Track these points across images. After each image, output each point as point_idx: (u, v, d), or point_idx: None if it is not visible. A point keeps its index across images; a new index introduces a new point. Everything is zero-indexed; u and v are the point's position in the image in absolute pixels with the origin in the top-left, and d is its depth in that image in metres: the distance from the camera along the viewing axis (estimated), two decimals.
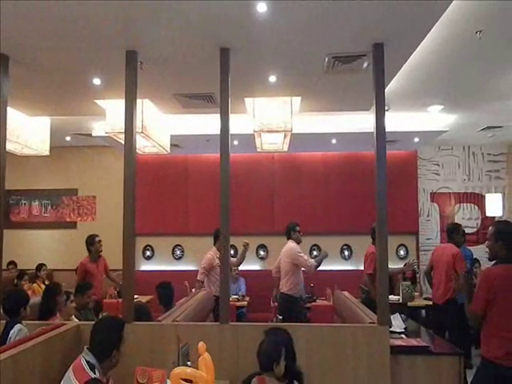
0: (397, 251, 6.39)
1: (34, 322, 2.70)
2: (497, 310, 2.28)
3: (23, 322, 2.63)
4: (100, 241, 4.85)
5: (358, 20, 2.43)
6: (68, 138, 6.08)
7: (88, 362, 1.89)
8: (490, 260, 2.51)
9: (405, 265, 4.60)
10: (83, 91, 3.53)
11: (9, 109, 2.92)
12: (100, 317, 3.54)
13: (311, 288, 5.81)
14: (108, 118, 3.78)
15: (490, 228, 2.52)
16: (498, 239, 2.43)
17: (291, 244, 4.42)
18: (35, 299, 3.60)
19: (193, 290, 4.79)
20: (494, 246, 2.44)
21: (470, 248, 5.17)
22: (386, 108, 3.77)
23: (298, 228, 4.45)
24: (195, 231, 6.33)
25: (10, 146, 3.83)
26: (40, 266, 5.62)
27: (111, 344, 1.95)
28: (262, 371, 1.98)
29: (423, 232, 6.52)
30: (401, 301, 4.92)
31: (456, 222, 4.43)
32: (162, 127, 4.19)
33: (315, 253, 6.44)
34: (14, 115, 3.84)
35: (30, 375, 2.01)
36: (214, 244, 4.67)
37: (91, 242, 4.81)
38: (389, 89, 3.61)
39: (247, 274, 6.15)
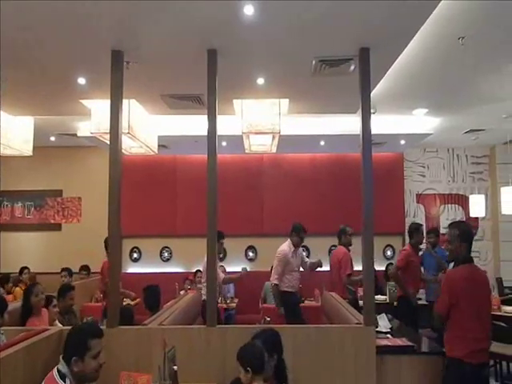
0: (384, 252, 6.47)
1: (15, 328, 2.64)
2: (459, 311, 2.31)
3: (0, 328, 2.54)
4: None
5: (344, 25, 2.47)
6: (52, 138, 5.96)
7: (59, 372, 1.82)
8: (451, 262, 2.53)
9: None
10: (68, 91, 3.47)
11: None
12: (85, 319, 3.49)
13: (300, 289, 5.83)
14: (93, 118, 3.72)
15: (453, 230, 2.49)
16: (463, 241, 2.44)
17: (283, 247, 4.40)
18: (18, 304, 3.53)
19: (181, 292, 4.76)
20: (460, 247, 2.44)
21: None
22: (373, 111, 3.80)
23: (302, 234, 4.39)
24: (183, 233, 6.28)
25: None
26: (23, 270, 5.50)
27: (71, 349, 1.85)
28: (252, 374, 1.96)
29: None
30: (387, 301, 4.97)
31: (415, 222, 4.53)
32: (149, 128, 4.15)
33: (305, 254, 6.45)
34: None
35: (12, 382, 1.96)
36: None
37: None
38: (375, 92, 3.65)
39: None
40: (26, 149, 4.33)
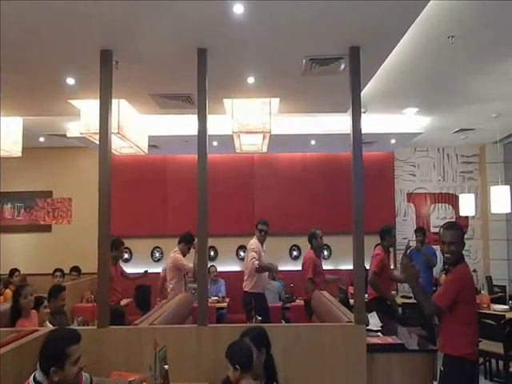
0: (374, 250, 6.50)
1: (4, 330, 2.61)
2: (465, 308, 2.33)
3: None
4: (125, 248, 4.70)
5: (335, 23, 2.48)
6: (42, 139, 5.91)
7: (35, 380, 1.75)
8: (452, 265, 2.44)
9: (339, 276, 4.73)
10: (57, 91, 3.44)
11: None
12: (75, 322, 3.47)
13: (291, 288, 5.86)
14: (83, 118, 3.69)
15: (456, 231, 2.45)
16: (462, 242, 2.46)
17: (252, 241, 4.42)
18: (8, 305, 3.49)
19: (172, 292, 4.74)
20: (461, 247, 2.45)
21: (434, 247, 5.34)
22: (363, 110, 3.85)
23: (259, 226, 4.40)
24: (174, 232, 6.21)
25: None
26: (13, 271, 5.44)
27: (49, 360, 1.75)
28: (241, 372, 1.97)
29: (400, 232, 6.65)
30: None
31: (387, 224, 4.59)
32: (139, 128, 4.13)
33: (295, 253, 6.48)
34: None
35: (2, 383, 1.94)
36: (178, 244, 4.57)
37: (116, 245, 4.63)
38: (366, 91, 3.68)
39: (227, 275, 6.13)
40: (15, 150, 4.29)
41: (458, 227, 2.53)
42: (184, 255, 4.51)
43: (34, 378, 1.77)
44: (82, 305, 4.80)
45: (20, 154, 4.36)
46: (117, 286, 4.53)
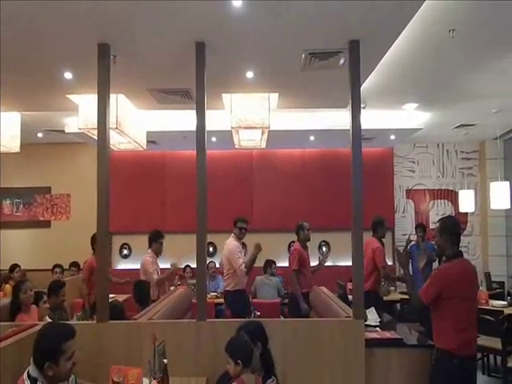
0: None
1: (4, 324, 2.63)
2: (451, 304, 2.33)
3: None
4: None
5: (334, 17, 2.46)
6: (40, 135, 5.90)
7: (29, 376, 1.76)
8: (439, 256, 2.58)
9: (319, 260, 4.68)
10: (55, 86, 3.43)
11: None
12: (74, 317, 3.49)
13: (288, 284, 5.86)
14: (81, 113, 3.68)
15: (437, 224, 2.53)
16: (445, 234, 2.47)
17: (232, 242, 4.27)
18: (7, 300, 3.51)
19: (171, 287, 4.76)
20: (440, 239, 2.48)
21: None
22: (363, 105, 3.82)
23: (239, 224, 4.28)
24: (173, 229, 6.23)
25: None
26: (13, 267, 5.45)
27: (44, 355, 1.76)
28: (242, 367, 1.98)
29: (399, 228, 6.68)
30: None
31: (379, 216, 4.59)
32: (137, 123, 4.12)
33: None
34: None
35: (1, 377, 1.95)
36: (150, 247, 4.44)
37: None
38: (365, 86, 3.66)
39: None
40: (14, 145, 4.28)
41: (439, 220, 2.58)
42: (158, 254, 4.39)
43: (29, 374, 1.77)
44: (81, 300, 4.80)
45: (18, 150, 4.35)
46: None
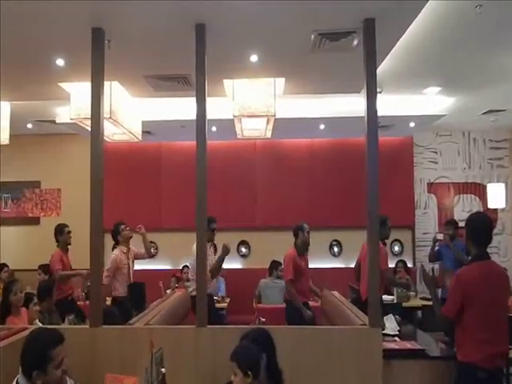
0: (391, 247, 6.48)
1: None
2: (471, 312, 2.31)
3: None
4: (70, 232, 4.81)
5: None
6: (30, 126, 5.96)
7: None
8: (467, 255, 2.54)
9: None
10: (45, 73, 3.47)
11: None
12: (66, 319, 3.55)
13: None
14: (73, 102, 3.71)
15: (466, 221, 2.52)
16: (469, 233, 2.45)
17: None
18: None
19: (168, 290, 4.80)
20: (467, 240, 2.47)
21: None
22: (379, 90, 3.78)
23: (212, 226, 4.28)
24: (170, 226, 6.29)
25: None
26: (1, 267, 5.54)
27: (30, 364, 1.78)
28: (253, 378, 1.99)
29: (420, 226, 6.63)
30: (395, 301, 5.02)
31: (381, 215, 4.57)
32: (132, 112, 4.14)
33: None
34: None
35: None
36: (115, 242, 4.59)
37: (60, 231, 4.75)
38: (381, 69, 3.62)
39: (227, 273, 6.12)
40: (3, 137, 4.33)
41: (469, 216, 2.55)
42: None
43: (18, 383, 1.80)
44: None
45: (8, 142, 4.40)
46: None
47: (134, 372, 2.12)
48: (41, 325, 3.23)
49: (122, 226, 4.53)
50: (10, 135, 4.42)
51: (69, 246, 4.83)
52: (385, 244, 4.47)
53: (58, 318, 3.73)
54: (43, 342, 1.83)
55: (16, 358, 2.10)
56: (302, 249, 4.45)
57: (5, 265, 5.59)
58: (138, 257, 4.62)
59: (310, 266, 4.74)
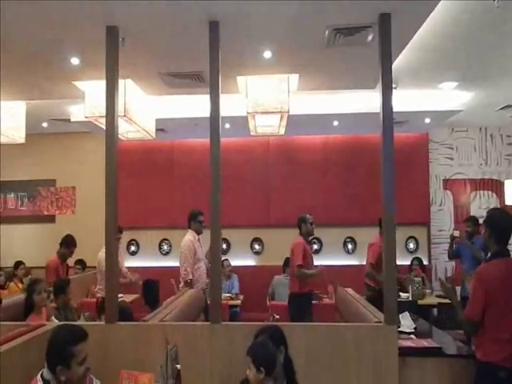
0: (406, 244, 6.42)
1: (12, 323, 2.73)
2: (492, 311, 2.27)
3: None
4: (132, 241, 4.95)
5: None
6: (45, 124, 6.04)
7: (43, 378, 1.85)
8: (486, 250, 2.50)
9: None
10: (61, 72, 3.51)
11: None
12: (81, 317, 3.60)
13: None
14: (87, 100, 3.75)
15: (486, 217, 2.50)
16: (489, 228, 2.42)
17: (186, 237, 4.46)
18: (12, 299, 3.65)
19: (180, 287, 4.82)
20: (485, 235, 2.44)
21: None
22: (394, 85, 3.74)
23: (200, 218, 4.47)
24: (183, 224, 6.29)
25: None
26: (18, 264, 5.64)
27: (55, 359, 1.85)
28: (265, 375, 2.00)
29: (435, 223, 6.54)
30: (410, 298, 4.98)
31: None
32: (146, 110, 4.16)
33: (315, 246, 6.44)
34: None
35: (7, 379, 2.03)
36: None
37: (67, 243, 4.87)
38: (396, 64, 3.57)
39: (241, 270, 6.17)
40: (18, 136, 4.40)
41: (490, 212, 2.53)
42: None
43: (42, 377, 1.86)
44: (88, 300, 4.94)
45: (23, 141, 4.48)
46: None
47: (149, 368, 2.14)
48: (57, 321, 3.28)
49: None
50: (26, 134, 4.50)
51: (86, 244, 4.97)
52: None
53: (73, 315, 3.78)
54: (67, 339, 1.88)
55: (33, 354, 2.16)
56: (306, 239, 4.55)
57: (21, 262, 5.69)
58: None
59: (324, 263, 4.73)
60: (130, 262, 6.60)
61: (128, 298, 5.10)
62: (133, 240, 6.68)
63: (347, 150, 6.38)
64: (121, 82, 2.95)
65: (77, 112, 5.19)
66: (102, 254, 4.53)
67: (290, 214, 5.83)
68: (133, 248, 6.68)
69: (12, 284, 5.33)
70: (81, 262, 5.79)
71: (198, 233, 4.50)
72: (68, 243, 4.79)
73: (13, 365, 2.08)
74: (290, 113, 3.70)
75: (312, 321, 3.95)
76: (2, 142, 4.43)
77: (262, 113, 3.64)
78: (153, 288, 3.77)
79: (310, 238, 4.67)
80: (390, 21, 2.66)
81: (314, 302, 4.85)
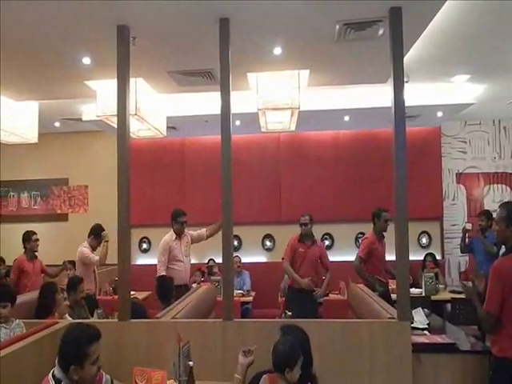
0: (418, 239, 6.37)
1: (29, 321, 2.79)
2: (510, 305, 2.25)
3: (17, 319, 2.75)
4: (37, 240, 4.90)
5: None
6: (57, 124, 6.12)
7: (54, 377, 1.84)
8: (499, 245, 2.48)
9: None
10: (72, 72, 3.54)
11: None
12: (95, 313, 3.64)
13: (322, 281, 5.84)
14: (99, 100, 3.79)
15: (500, 210, 2.47)
16: (510, 224, 2.39)
17: (165, 236, 4.55)
18: (27, 296, 3.71)
19: (193, 284, 4.85)
20: (506, 230, 2.41)
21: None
22: (405, 79, 3.69)
23: (180, 219, 4.52)
24: (194, 221, 6.28)
25: None
26: None
27: (68, 359, 1.83)
28: (274, 370, 1.99)
29: (448, 217, 6.47)
30: (424, 294, 4.94)
31: (379, 207, 4.50)
32: (157, 108, 4.18)
33: (327, 242, 6.42)
34: None
35: (21, 377, 2.07)
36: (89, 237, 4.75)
37: (27, 238, 4.87)
38: (408, 57, 3.53)
39: (252, 266, 6.17)
40: (31, 136, 4.46)
41: (504, 206, 2.50)
42: (94, 249, 4.67)
43: (53, 375, 1.86)
44: (100, 297, 5.00)
45: (36, 141, 4.54)
46: (28, 282, 4.71)
47: (162, 365, 2.15)
48: (70, 319, 3.32)
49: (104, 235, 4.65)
50: (38, 134, 4.55)
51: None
52: (382, 236, 4.47)
53: (86, 312, 3.82)
54: (81, 338, 1.87)
55: (46, 352, 2.20)
56: (304, 238, 4.65)
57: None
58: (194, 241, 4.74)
59: (336, 258, 4.70)
60: (142, 260, 6.70)
61: (140, 295, 5.15)
62: (144, 238, 6.73)
63: (358, 146, 6.34)
64: (132, 80, 2.97)
65: (88, 111, 5.25)
66: (80, 247, 4.63)
67: (301, 209, 5.81)
68: (144, 246, 6.74)
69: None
70: None
71: (178, 233, 4.52)
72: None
73: (26, 363, 2.10)
74: (301, 109, 3.69)
75: (299, 314, 3.92)
76: (16, 142, 4.50)
77: (273, 109, 3.63)
78: (166, 284, 3.79)
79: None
80: (400, 14, 2.63)
81: (325, 298, 4.86)
